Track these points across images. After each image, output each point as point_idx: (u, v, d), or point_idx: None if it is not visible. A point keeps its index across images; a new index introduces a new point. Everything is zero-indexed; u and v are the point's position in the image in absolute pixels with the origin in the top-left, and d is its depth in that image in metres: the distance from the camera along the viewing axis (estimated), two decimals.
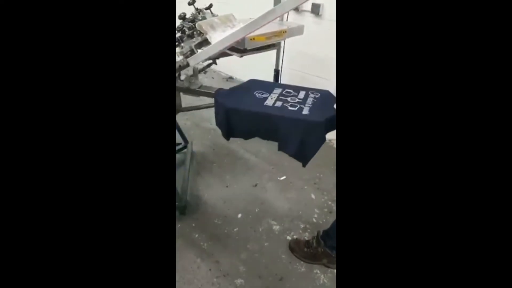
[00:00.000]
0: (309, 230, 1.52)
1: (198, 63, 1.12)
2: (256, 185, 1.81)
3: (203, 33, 1.12)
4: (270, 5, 2.33)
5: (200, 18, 1.36)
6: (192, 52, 1.11)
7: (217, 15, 1.43)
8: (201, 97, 1.35)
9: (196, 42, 1.08)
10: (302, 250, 1.37)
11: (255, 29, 0.92)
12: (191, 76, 1.19)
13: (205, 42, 1.08)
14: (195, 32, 1.12)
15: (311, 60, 2.31)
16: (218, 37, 1.04)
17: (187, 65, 1.11)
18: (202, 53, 1.04)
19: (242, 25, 1.00)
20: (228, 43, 1.00)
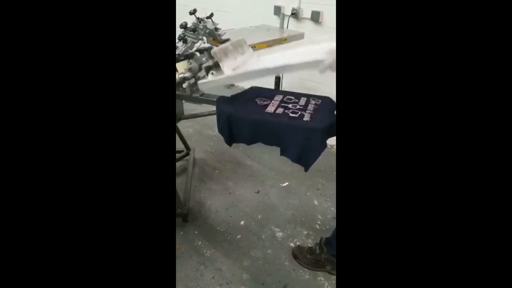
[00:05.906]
0: (312, 237, 1.51)
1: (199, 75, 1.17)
2: (258, 192, 1.80)
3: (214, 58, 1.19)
4: (270, 14, 2.36)
5: (201, 27, 1.38)
6: (199, 69, 1.17)
7: (217, 23, 1.45)
8: (203, 105, 1.36)
9: (206, 64, 1.13)
10: (306, 257, 1.36)
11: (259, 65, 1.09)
12: (193, 84, 1.21)
13: (215, 67, 1.13)
14: (205, 52, 1.18)
15: None
16: (230, 66, 1.10)
17: (194, 81, 1.16)
18: (213, 82, 1.10)
19: (251, 51, 1.11)
20: (236, 75, 1.09)
